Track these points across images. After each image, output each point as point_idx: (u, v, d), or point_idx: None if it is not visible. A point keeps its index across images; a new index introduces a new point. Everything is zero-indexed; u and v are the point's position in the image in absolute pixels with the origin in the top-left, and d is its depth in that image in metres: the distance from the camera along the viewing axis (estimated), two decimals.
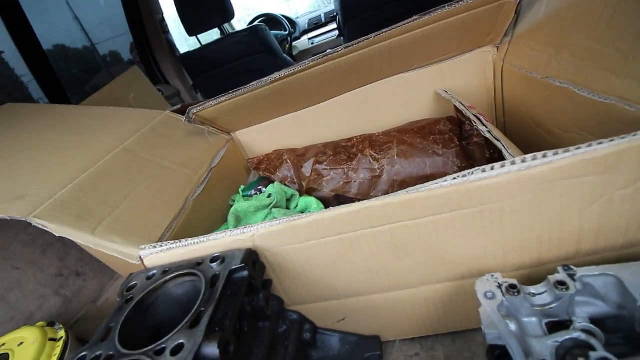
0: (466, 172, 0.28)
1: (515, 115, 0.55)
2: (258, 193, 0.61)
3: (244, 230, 0.33)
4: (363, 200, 0.54)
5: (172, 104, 1.56)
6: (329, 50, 0.49)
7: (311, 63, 0.50)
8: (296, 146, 0.68)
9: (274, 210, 0.52)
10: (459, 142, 0.52)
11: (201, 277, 0.31)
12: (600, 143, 0.26)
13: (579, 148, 0.26)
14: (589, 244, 0.30)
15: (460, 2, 0.43)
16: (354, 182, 0.53)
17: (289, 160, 0.60)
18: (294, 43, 2.04)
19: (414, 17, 0.44)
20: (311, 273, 0.35)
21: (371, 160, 0.52)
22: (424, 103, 0.62)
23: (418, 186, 0.29)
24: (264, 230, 0.32)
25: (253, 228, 0.33)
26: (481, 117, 0.44)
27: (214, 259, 0.32)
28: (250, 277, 0.31)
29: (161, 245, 0.36)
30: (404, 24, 0.45)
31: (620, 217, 0.28)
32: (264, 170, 0.62)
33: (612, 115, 0.32)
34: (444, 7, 0.44)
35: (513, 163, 0.27)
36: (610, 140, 0.26)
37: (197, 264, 0.33)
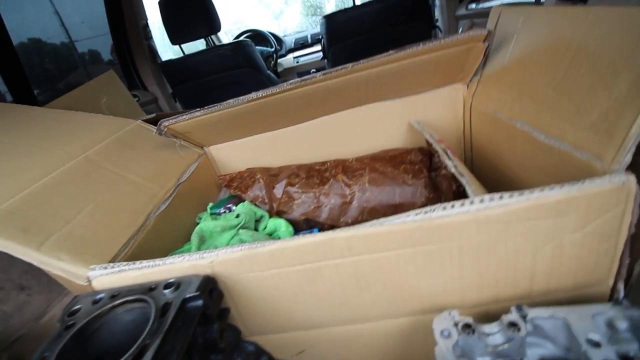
0: (428, 208, 0.29)
1: (482, 151, 0.57)
2: (227, 211, 0.60)
3: (203, 255, 0.32)
4: (333, 225, 0.54)
5: (148, 111, 1.52)
6: (312, 72, 0.50)
7: (290, 86, 0.50)
8: (270, 165, 0.68)
9: (241, 231, 0.51)
10: (428, 173, 0.53)
11: (151, 304, 0.29)
12: (552, 189, 0.27)
13: (532, 192, 0.27)
14: (541, 284, 0.31)
15: (434, 42, 0.45)
16: (325, 206, 0.52)
17: (261, 180, 0.59)
18: (279, 60, 2.06)
19: (390, 52, 0.46)
20: (271, 302, 0.33)
21: (343, 186, 0.53)
22: (398, 132, 0.64)
23: (381, 220, 0.29)
24: (224, 256, 0.31)
25: (213, 253, 0.32)
26: (448, 152, 0.46)
27: (167, 285, 0.31)
28: (205, 306, 0.29)
29: (112, 267, 0.34)
30: (381, 57, 0.47)
31: (570, 260, 0.30)
32: (235, 188, 0.61)
33: (566, 161, 0.34)
34: (419, 44, 0.45)
35: (472, 203, 0.28)
36: (561, 187, 0.27)
37: (150, 289, 0.32)
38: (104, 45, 1.78)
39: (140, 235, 0.44)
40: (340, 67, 0.48)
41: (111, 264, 0.34)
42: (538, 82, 0.39)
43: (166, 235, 0.49)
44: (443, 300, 0.32)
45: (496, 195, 0.28)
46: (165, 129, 0.56)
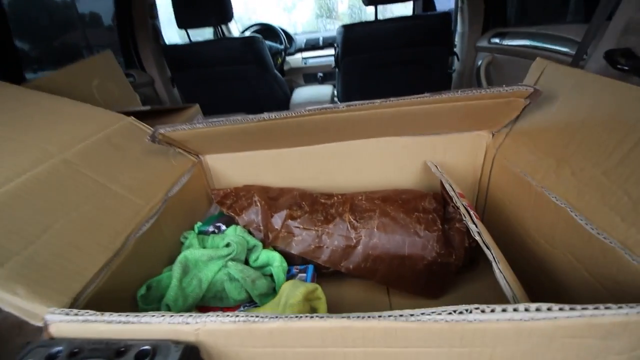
0: (463, 307, 0.25)
1: (498, 206, 0.54)
2: (216, 230, 0.54)
3: (187, 319, 0.27)
4: (331, 268, 0.49)
5: (143, 93, 1.44)
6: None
7: (307, 112, 0.45)
8: (271, 184, 0.62)
9: (229, 263, 0.46)
10: (442, 225, 0.49)
11: None
12: (609, 308, 0.23)
13: (585, 308, 0.23)
14: None
15: (474, 91, 0.41)
16: (327, 248, 0.48)
17: (259, 203, 0.54)
18: (287, 58, 2.00)
19: (425, 94, 0.42)
20: None
21: (349, 228, 0.48)
22: (411, 169, 0.60)
23: (407, 311, 0.25)
24: (213, 325, 0.26)
25: (200, 320, 0.26)
26: (471, 212, 0.42)
27: (140, 354, 0.25)
28: None
29: (75, 314, 0.28)
30: (413, 98, 0.43)
31: None
32: (228, 207, 0.55)
33: (609, 258, 0.31)
34: (457, 91, 0.41)
35: (516, 310, 0.24)
36: (619, 307, 0.23)
37: (119, 352, 0.26)
38: (106, 10, 1.70)
39: (115, 261, 0.38)
40: (367, 101, 0.43)
41: (74, 310, 0.29)
42: (586, 158, 0.35)
43: (146, 259, 0.44)
44: None
45: (544, 306, 0.24)
46: (160, 136, 0.50)
